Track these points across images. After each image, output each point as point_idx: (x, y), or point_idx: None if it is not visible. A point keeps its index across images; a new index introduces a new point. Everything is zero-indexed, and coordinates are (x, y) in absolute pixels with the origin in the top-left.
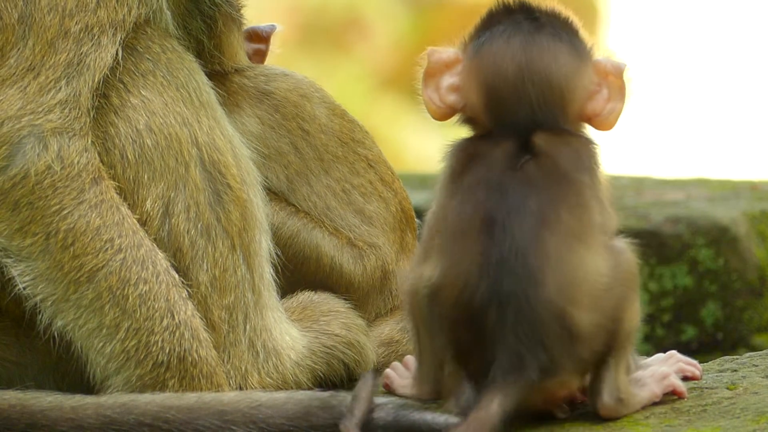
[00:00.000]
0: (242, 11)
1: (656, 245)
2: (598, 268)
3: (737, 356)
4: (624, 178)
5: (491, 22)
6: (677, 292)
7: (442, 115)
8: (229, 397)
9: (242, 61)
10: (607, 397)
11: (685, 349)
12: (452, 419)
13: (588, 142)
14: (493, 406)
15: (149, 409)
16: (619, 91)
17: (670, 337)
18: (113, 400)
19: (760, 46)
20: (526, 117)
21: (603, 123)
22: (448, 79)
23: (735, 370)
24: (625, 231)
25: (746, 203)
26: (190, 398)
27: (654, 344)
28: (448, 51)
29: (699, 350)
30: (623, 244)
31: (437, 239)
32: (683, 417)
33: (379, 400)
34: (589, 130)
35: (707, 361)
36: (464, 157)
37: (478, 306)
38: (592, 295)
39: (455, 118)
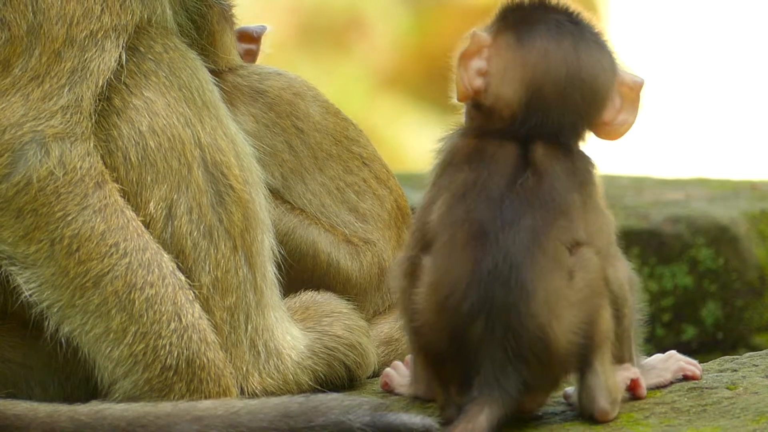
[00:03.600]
0: (234, 11)
1: (656, 245)
2: (573, 283)
3: (737, 356)
4: (624, 178)
5: (529, 16)
6: (677, 292)
7: (466, 96)
8: (205, 404)
9: (235, 60)
10: (603, 403)
11: (685, 349)
12: (428, 420)
13: (586, 159)
14: (481, 417)
15: (125, 415)
16: (632, 104)
17: (670, 337)
18: (89, 408)
19: (760, 46)
20: (559, 121)
21: (611, 133)
22: (477, 63)
23: (735, 370)
24: (625, 231)
25: (746, 203)
26: (166, 405)
27: (654, 344)
28: (487, 36)
29: (699, 350)
30: (589, 250)
31: (425, 234)
32: (683, 417)
33: (356, 400)
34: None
35: (707, 361)
36: (463, 153)
37: (466, 314)
38: (568, 312)
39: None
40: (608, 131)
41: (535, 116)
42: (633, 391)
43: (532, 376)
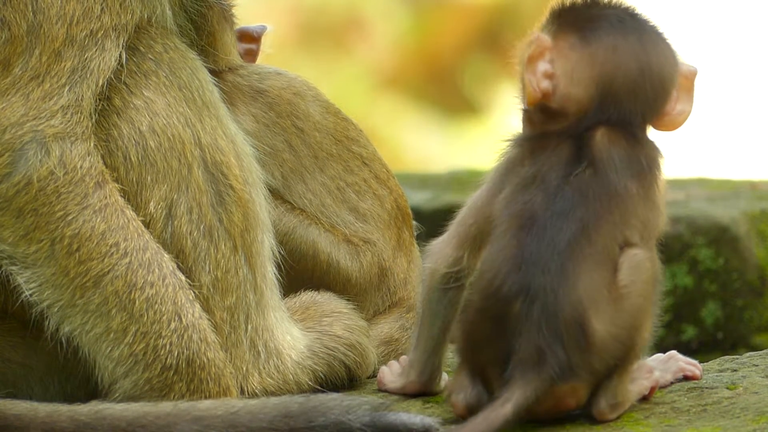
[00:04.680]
0: (234, 11)
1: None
2: (621, 279)
3: (737, 356)
4: None
5: (588, 15)
6: (677, 292)
7: (536, 99)
8: (205, 404)
9: (235, 60)
10: (603, 404)
11: (685, 349)
12: (428, 420)
13: (652, 146)
14: (507, 405)
15: (125, 415)
16: (688, 94)
17: (670, 337)
18: (89, 408)
19: (760, 46)
20: (631, 114)
21: (670, 123)
22: (543, 66)
23: (735, 370)
24: None
25: (746, 203)
26: (166, 405)
27: (654, 344)
28: (548, 38)
29: (699, 350)
30: (644, 253)
31: (474, 228)
32: (683, 417)
33: (356, 400)
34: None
35: (707, 361)
36: (524, 152)
37: (505, 296)
38: (611, 307)
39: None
40: (668, 122)
41: (607, 111)
42: (646, 396)
43: (570, 361)
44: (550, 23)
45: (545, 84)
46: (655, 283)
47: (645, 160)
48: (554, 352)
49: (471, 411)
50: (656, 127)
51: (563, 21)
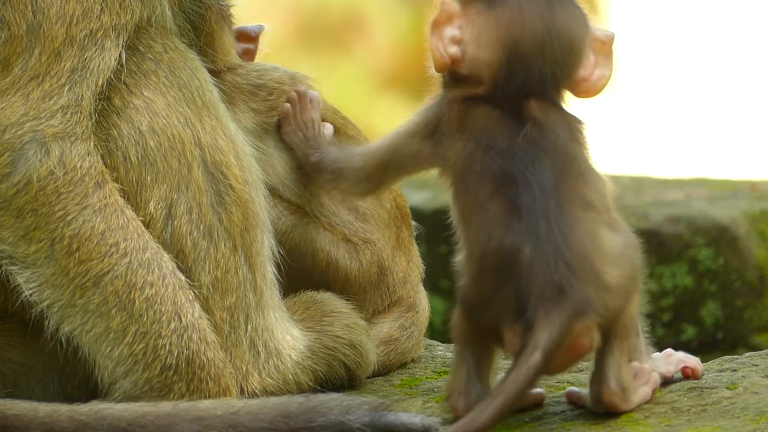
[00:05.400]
0: (232, 11)
1: (656, 245)
2: (613, 238)
3: (737, 356)
4: (624, 178)
5: None
6: (677, 292)
7: (444, 65)
8: (204, 404)
9: (234, 60)
10: (613, 384)
11: (685, 349)
12: (428, 420)
13: (575, 118)
14: (536, 353)
15: (125, 415)
16: (606, 58)
17: (670, 337)
18: (89, 408)
19: (760, 46)
20: (540, 75)
21: (589, 89)
22: (451, 31)
23: (735, 370)
24: None
25: (746, 203)
26: (166, 405)
27: (654, 344)
28: (454, 3)
29: (699, 350)
30: (630, 231)
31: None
32: (683, 417)
33: (356, 400)
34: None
35: (707, 361)
36: (456, 116)
37: (510, 246)
38: (612, 256)
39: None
40: (586, 88)
41: (517, 74)
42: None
43: (587, 295)
44: None
45: (453, 50)
46: (641, 263)
47: (576, 129)
48: (573, 286)
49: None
50: (575, 93)
51: None
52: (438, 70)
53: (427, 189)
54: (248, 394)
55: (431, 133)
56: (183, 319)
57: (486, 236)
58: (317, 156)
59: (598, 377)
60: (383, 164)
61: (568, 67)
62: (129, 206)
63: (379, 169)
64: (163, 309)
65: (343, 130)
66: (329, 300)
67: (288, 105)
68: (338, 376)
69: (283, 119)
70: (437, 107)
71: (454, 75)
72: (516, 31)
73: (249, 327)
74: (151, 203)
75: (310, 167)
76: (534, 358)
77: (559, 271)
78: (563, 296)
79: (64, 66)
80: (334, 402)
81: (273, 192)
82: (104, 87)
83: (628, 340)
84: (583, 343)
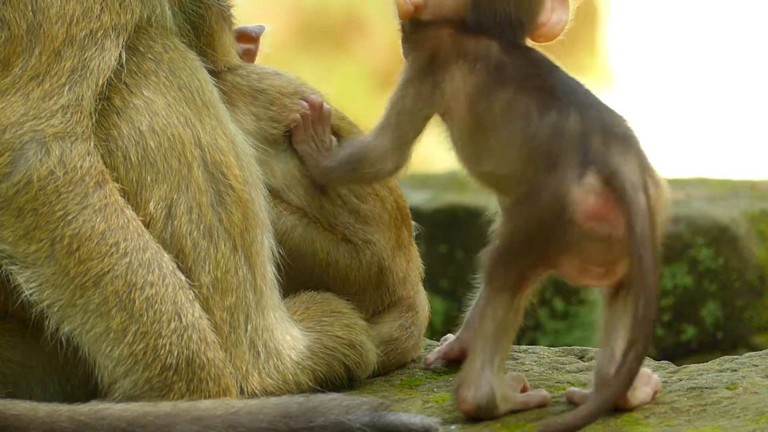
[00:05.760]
0: (232, 11)
1: None
2: None
3: (737, 356)
4: None
5: None
6: (677, 292)
7: (407, 12)
8: (204, 404)
9: (234, 60)
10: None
11: (685, 349)
12: (428, 420)
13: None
14: (640, 197)
15: (125, 415)
16: (563, 4)
17: (670, 337)
18: (88, 408)
19: (760, 46)
20: (506, 17)
21: (548, 33)
22: None
23: (735, 370)
24: None
25: (746, 203)
26: (166, 405)
27: (654, 344)
28: None
29: (699, 350)
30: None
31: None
32: (683, 417)
33: (356, 400)
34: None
35: (707, 361)
36: (451, 43)
37: (555, 119)
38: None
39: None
40: (545, 32)
41: (484, 17)
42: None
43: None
44: None
45: None
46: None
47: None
48: (635, 136)
49: (479, 410)
50: (534, 38)
51: None
52: (401, 17)
53: (427, 189)
54: (248, 394)
55: (427, 71)
56: (183, 319)
57: (522, 125)
58: (330, 159)
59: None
60: (397, 127)
61: (533, 11)
62: (129, 206)
63: (397, 134)
64: (164, 309)
65: (351, 136)
66: (329, 300)
67: (299, 116)
68: (338, 376)
69: (295, 129)
70: (423, 45)
71: (415, 22)
72: None
73: (249, 327)
74: (151, 203)
75: (324, 170)
76: (641, 199)
77: (616, 123)
78: (630, 142)
79: (65, 66)
80: (334, 402)
81: (273, 193)
82: (104, 87)
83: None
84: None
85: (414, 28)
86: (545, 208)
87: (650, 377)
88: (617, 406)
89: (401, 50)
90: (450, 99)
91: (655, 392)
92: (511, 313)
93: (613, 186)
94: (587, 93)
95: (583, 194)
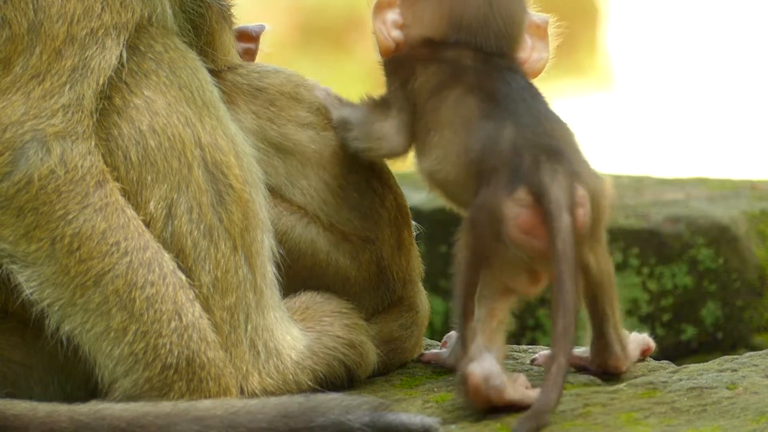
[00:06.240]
0: (233, 10)
1: (656, 245)
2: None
3: (737, 356)
4: (624, 177)
5: None
6: (677, 292)
7: (388, 49)
8: (204, 404)
9: (234, 59)
10: (618, 350)
11: (685, 349)
12: (428, 420)
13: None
14: (564, 216)
15: (125, 415)
16: (543, 41)
17: (670, 337)
18: (88, 408)
19: (760, 46)
20: (486, 47)
21: (528, 71)
22: (392, 16)
23: (735, 370)
24: (625, 231)
25: (746, 203)
26: (166, 405)
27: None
28: None
29: (699, 350)
30: None
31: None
32: (683, 417)
33: (356, 400)
34: None
35: (707, 361)
36: (425, 54)
37: (492, 130)
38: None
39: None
40: (526, 70)
41: (465, 46)
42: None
43: (580, 167)
44: None
45: (396, 33)
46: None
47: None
48: (566, 151)
49: (487, 383)
50: None
51: None
52: (383, 54)
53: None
54: (248, 394)
55: (404, 79)
56: (183, 319)
57: (463, 130)
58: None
59: (601, 346)
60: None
61: (511, 44)
62: (129, 205)
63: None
64: (164, 308)
65: None
66: (329, 300)
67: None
68: (338, 375)
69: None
70: (404, 67)
71: (396, 60)
72: (458, 7)
73: (249, 327)
74: (152, 203)
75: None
76: (564, 219)
77: (553, 136)
78: (560, 157)
79: (65, 65)
80: (334, 402)
81: (273, 192)
82: (105, 86)
83: (617, 302)
84: (583, 212)
85: (394, 61)
86: (482, 220)
87: (642, 339)
88: (612, 371)
89: (381, 72)
90: (417, 95)
91: (645, 350)
92: (499, 315)
93: (541, 203)
94: (533, 101)
95: (516, 208)
